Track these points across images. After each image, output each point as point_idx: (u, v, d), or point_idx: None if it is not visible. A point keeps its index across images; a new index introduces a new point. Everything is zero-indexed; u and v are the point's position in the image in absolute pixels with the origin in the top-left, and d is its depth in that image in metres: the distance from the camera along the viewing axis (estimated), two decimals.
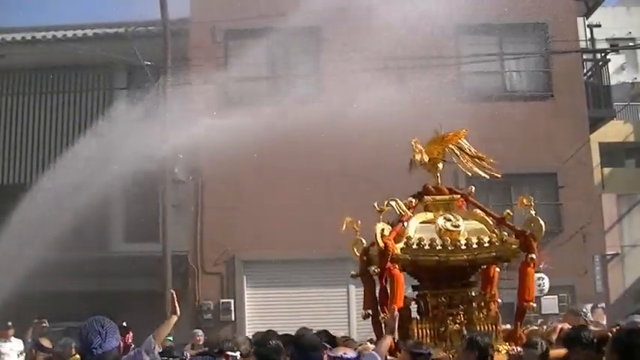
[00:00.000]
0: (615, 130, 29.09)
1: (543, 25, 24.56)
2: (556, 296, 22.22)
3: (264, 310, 22.74)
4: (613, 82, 28.88)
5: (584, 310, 11.35)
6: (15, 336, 19.17)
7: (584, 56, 26.76)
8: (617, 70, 34.03)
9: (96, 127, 25.67)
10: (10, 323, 19.31)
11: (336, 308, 22.48)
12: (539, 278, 21.04)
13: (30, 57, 20.16)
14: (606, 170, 29.34)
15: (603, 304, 20.13)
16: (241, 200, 22.74)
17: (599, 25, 30.79)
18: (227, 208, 22.75)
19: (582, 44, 26.97)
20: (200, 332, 18.80)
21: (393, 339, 8.07)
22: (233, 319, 22.89)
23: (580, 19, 25.88)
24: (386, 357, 7.61)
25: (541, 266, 20.94)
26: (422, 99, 22.90)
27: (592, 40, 30.42)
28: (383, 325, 8.33)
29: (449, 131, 21.89)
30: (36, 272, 22.89)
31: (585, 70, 26.58)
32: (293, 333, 12.53)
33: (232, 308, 23.02)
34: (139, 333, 17.17)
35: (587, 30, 29.01)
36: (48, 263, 23.65)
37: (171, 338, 16.05)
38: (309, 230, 20.75)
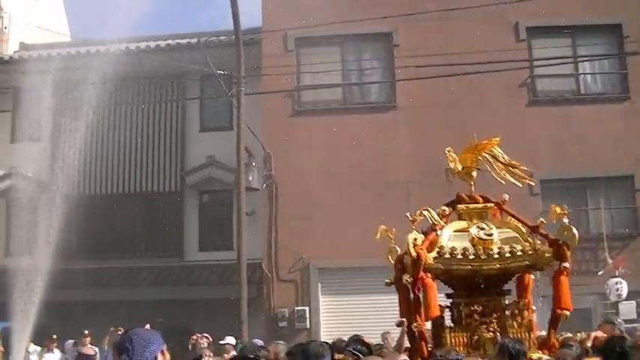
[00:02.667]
0: None
1: (618, 26, 24.22)
2: (634, 302, 21.81)
3: (338, 317, 22.73)
4: None
5: (619, 320, 11.16)
6: (91, 344, 19.56)
7: None
8: None
9: (170, 137, 26.08)
10: (86, 331, 19.68)
11: None
12: (617, 283, 20.80)
13: (104, 69, 20.44)
14: None
15: None
16: (315, 208, 22.78)
17: None
18: (301, 216, 22.81)
19: None
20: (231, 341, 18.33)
21: (419, 356, 8.11)
22: (308, 326, 22.92)
23: None
24: None
25: (618, 271, 20.76)
26: (494, 103, 22.87)
27: None
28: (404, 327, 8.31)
29: (522, 135, 21.88)
30: (111, 281, 23.33)
31: None
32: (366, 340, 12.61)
33: (307, 315, 23.04)
34: (214, 341, 17.43)
35: None
36: (123, 272, 24.11)
37: (242, 345, 16.13)
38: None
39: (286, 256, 23.31)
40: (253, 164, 22.99)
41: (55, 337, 20.01)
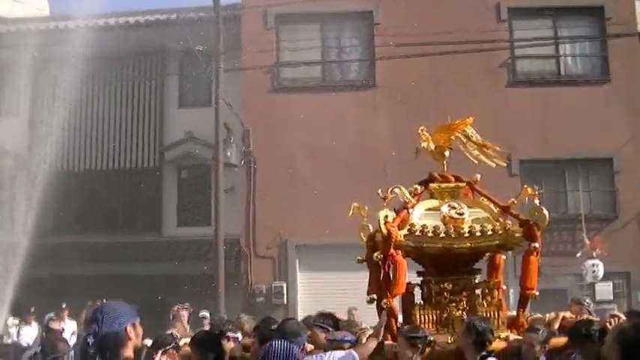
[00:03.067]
0: None
1: (600, 8, 24.22)
2: (610, 283, 21.96)
3: (316, 293, 22.72)
4: None
5: (588, 301, 11.22)
6: (69, 317, 19.57)
7: None
8: None
9: (149, 113, 25.98)
10: (64, 305, 19.65)
11: None
12: (593, 264, 20.89)
13: (83, 44, 20.33)
14: None
15: None
16: (294, 185, 22.78)
17: None
18: (279, 193, 22.80)
19: None
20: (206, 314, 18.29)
21: (389, 333, 8.10)
22: (285, 302, 22.95)
23: (638, 2, 25.43)
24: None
25: (595, 253, 20.85)
26: (474, 83, 22.86)
27: None
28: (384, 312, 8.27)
29: (502, 116, 21.92)
30: (90, 256, 23.25)
31: None
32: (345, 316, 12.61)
33: (284, 292, 23.08)
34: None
35: None
36: (101, 247, 24.03)
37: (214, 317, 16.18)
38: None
39: (264, 232, 23.28)
40: (232, 140, 22.91)
41: (33, 310, 19.96)
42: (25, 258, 19.79)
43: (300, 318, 18.22)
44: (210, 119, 21.52)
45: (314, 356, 7.08)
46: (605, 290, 21.55)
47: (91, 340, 5.49)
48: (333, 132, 22.61)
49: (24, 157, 23.76)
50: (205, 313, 17.84)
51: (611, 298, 21.40)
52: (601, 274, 20.91)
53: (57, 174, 22.68)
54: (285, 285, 23.13)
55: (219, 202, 21.14)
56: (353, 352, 7.14)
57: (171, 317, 15.96)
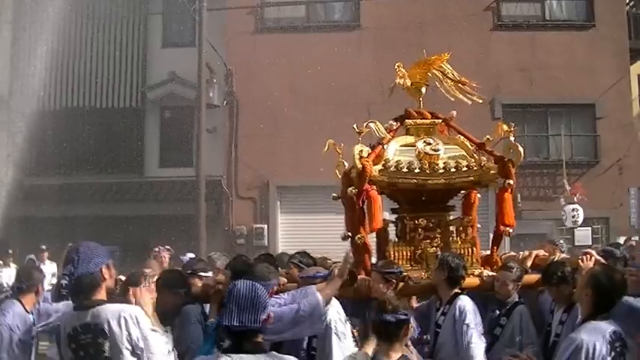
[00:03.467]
0: None
1: None
2: (590, 228, 22.12)
3: (297, 235, 22.78)
4: None
5: (561, 241, 11.26)
6: (49, 259, 19.50)
7: None
8: None
9: (132, 52, 25.74)
10: (44, 247, 19.61)
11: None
12: (573, 209, 20.97)
13: None
14: None
15: (637, 237, 19.97)
16: (276, 126, 22.74)
17: None
18: (262, 134, 22.75)
19: None
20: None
21: (363, 268, 8.12)
22: (266, 244, 22.99)
23: None
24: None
25: (575, 198, 20.94)
26: (459, 25, 22.74)
27: None
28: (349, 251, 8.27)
29: (486, 59, 21.88)
30: (71, 197, 23.16)
31: (628, 0, 26.00)
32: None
33: (265, 233, 23.16)
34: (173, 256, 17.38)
35: None
36: (82, 187, 23.92)
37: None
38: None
39: (246, 173, 23.30)
40: (214, 81, 22.78)
41: (11, 251, 19.89)
42: (4, 197, 19.69)
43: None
44: (194, 60, 21.36)
45: (275, 297, 7.08)
46: (584, 235, 21.71)
47: (65, 281, 5.56)
48: (316, 73, 22.47)
49: (4, 96, 23.54)
50: (191, 255, 17.81)
51: (590, 243, 21.50)
52: (581, 219, 21.02)
53: (38, 112, 22.53)
54: (266, 227, 23.20)
55: (201, 143, 21.08)
56: (315, 291, 7.12)
57: (151, 258, 15.96)
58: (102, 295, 5.60)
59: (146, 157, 25.37)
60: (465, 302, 7.56)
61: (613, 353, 5.55)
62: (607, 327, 5.63)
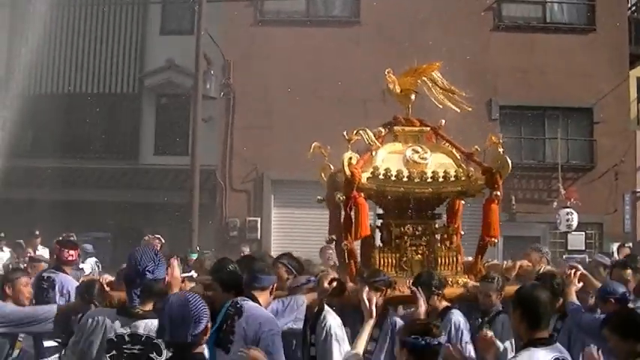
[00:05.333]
0: None
1: None
2: (584, 233, 22.13)
3: (290, 229, 22.79)
4: None
5: (546, 250, 11.31)
6: (42, 244, 19.37)
7: None
8: None
9: (130, 38, 25.63)
10: (37, 232, 19.53)
11: None
12: (568, 213, 21.00)
13: None
14: None
15: (630, 244, 20.03)
16: (272, 119, 22.69)
17: None
18: (258, 127, 22.70)
19: None
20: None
21: (347, 274, 8.20)
22: (259, 237, 23.00)
23: None
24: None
25: (570, 202, 20.95)
26: (459, 25, 22.66)
27: None
28: (345, 253, 8.35)
29: (485, 60, 21.85)
30: (65, 181, 23.09)
31: (630, 5, 25.93)
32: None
33: (259, 226, 23.13)
34: (165, 245, 17.34)
35: None
36: (77, 172, 23.84)
37: (195, 255, 16.03)
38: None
39: (241, 165, 23.26)
40: (212, 72, 22.66)
41: (2, 235, 19.78)
42: None
43: (273, 254, 18.30)
44: (193, 48, 21.29)
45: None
46: (577, 240, 21.75)
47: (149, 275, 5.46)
48: (314, 68, 22.43)
49: (1, 78, 23.45)
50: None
51: (583, 248, 21.57)
52: (575, 223, 21.05)
53: (34, 96, 22.48)
54: (259, 220, 23.16)
55: (196, 132, 21.02)
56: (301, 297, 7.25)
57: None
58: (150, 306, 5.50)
59: (141, 143, 25.29)
60: (459, 318, 7.63)
61: None
62: (545, 356, 5.49)
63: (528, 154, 23.40)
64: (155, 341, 5.20)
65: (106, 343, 5.30)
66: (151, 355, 5.22)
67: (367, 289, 7.10)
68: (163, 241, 16.63)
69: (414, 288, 7.54)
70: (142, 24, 25.70)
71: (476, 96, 21.69)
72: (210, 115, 23.07)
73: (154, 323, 5.17)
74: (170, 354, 4.69)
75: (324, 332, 7.20)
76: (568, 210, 21.05)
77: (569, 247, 21.42)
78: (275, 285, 6.94)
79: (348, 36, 23.19)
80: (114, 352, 5.26)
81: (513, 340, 7.60)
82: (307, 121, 21.60)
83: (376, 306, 6.98)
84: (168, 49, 24.64)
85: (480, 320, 8.01)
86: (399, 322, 7.51)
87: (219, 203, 23.40)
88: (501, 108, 22.93)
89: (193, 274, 8.84)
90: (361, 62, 22.43)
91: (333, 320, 7.29)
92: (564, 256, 19.01)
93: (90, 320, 5.55)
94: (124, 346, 5.25)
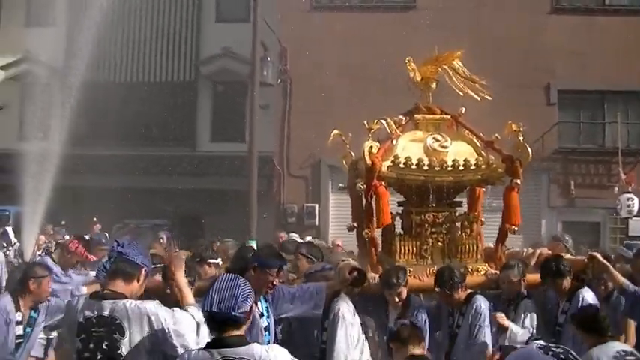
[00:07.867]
0: None
1: None
2: None
3: (348, 215, 22.69)
4: None
5: (567, 237, 11.24)
6: (101, 230, 19.63)
7: None
8: None
9: (186, 26, 25.77)
10: (95, 219, 19.76)
11: None
12: (628, 199, 20.69)
13: None
14: None
15: None
16: (329, 104, 22.61)
17: None
18: (314, 112, 22.64)
19: None
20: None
21: (369, 262, 8.33)
22: (317, 223, 23.06)
23: None
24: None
25: (631, 187, 20.67)
26: (516, 8, 22.42)
27: None
28: (366, 241, 8.47)
29: (542, 43, 21.62)
30: (123, 168, 23.30)
31: None
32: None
33: (316, 212, 23.18)
34: (219, 231, 17.45)
35: None
36: (134, 159, 24.04)
37: (254, 242, 16.09)
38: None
39: (298, 151, 23.32)
40: (269, 59, 22.67)
41: (63, 222, 20.06)
42: (57, 168, 19.82)
43: (330, 240, 18.31)
44: (248, 36, 21.29)
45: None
46: (638, 226, 21.40)
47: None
48: (370, 52, 22.35)
49: (59, 68, 23.68)
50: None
51: None
52: (636, 209, 20.73)
53: (92, 85, 22.62)
54: (317, 206, 23.21)
55: (253, 120, 21.07)
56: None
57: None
58: (124, 287, 5.50)
59: (198, 131, 25.52)
60: (481, 302, 7.77)
61: None
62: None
63: (587, 138, 23.17)
64: (118, 321, 5.23)
65: (77, 327, 5.34)
66: (114, 336, 5.22)
67: None
68: (170, 234, 16.71)
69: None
70: (197, 11, 25.86)
71: (533, 80, 21.78)
72: (267, 102, 23.12)
73: (118, 304, 5.28)
74: (212, 336, 4.77)
75: (333, 315, 7.36)
76: (629, 195, 20.75)
77: (629, 234, 21.07)
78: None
79: (404, 21, 23.07)
80: (83, 335, 5.30)
81: (535, 322, 7.88)
82: (363, 106, 21.55)
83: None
84: (223, 37, 24.77)
85: (506, 306, 8.15)
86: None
87: (277, 190, 23.50)
88: (559, 92, 22.66)
89: (219, 261, 8.89)
90: (416, 46, 22.27)
91: (344, 305, 7.43)
92: (624, 242, 18.74)
93: (68, 304, 5.75)
94: (93, 329, 5.28)
